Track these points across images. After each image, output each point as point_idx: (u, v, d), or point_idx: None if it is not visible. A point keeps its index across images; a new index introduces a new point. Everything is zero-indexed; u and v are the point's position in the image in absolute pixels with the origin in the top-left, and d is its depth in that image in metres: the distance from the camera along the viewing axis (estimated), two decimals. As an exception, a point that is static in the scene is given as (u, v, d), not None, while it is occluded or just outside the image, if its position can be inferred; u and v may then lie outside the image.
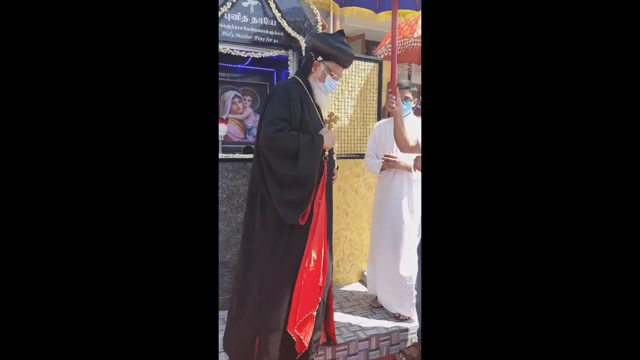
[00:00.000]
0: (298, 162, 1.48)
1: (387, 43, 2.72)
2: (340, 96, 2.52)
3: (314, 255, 1.58)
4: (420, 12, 2.67)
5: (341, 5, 2.05)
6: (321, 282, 1.60)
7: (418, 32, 2.46)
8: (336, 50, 1.57)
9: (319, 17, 2.35)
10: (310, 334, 1.60)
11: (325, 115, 1.74)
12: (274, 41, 2.27)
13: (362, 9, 2.11)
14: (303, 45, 2.30)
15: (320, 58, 1.59)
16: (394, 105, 1.76)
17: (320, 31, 2.38)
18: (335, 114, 1.75)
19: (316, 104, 1.67)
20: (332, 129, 1.68)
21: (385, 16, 2.14)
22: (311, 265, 1.56)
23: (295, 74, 1.68)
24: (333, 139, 1.63)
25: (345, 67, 1.65)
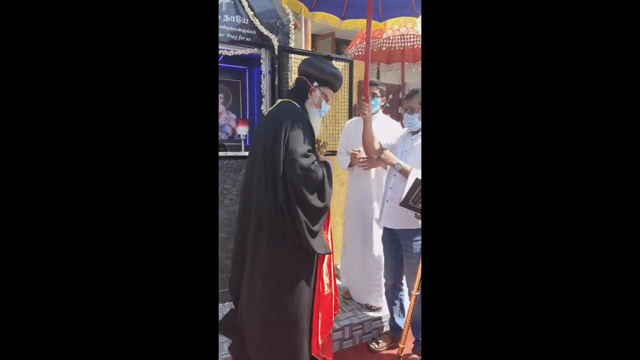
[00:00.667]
0: (325, 192, 1.50)
1: (357, 43, 2.80)
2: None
3: (326, 279, 1.60)
4: (396, 21, 2.76)
5: (310, 10, 2.10)
6: (334, 301, 1.64)
7: (387, 33, 2.55)
8: (331, 76, 1.61)
9: (291, 17, 2.39)
10: (332, 351, 1.63)
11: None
12: (247, 39, 2.29)
13: (329, 14, 2.17)
14: (275, 44, 2.33)
15: (316, 84, 1.61)
16: (366, 112, 1.85)
17: (293, 30, 2.42)
18: (323, 140, 1.81)
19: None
20: (322, 155, 1.73)
21: (350, 23, 2.22)
22: (325, 290, 1.59)
23: (287, 99, 1.65)
24: (332, 165, 1.66)
25: (335, 91, 1.70)
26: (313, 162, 1.46)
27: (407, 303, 2.00)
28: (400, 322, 2.05)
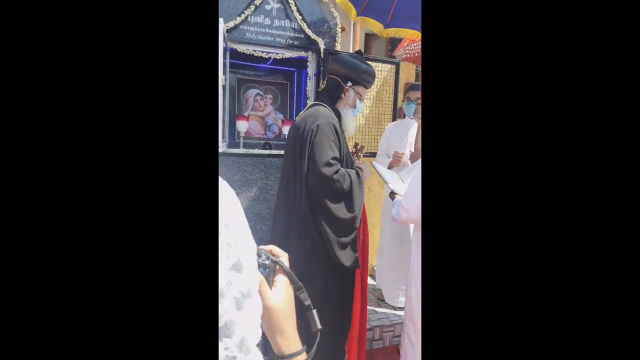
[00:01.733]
0: (353, 202, 1.40)
1: (405, 45, 2.78)
2: (357, 96, 2.62)
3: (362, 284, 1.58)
4: (402, 32, 2.69)
5: (358, 14, 2.13)
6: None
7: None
8: (365, 74, 1.54)
9: (338, 20, 2.44)
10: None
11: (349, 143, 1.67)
12: (295, 43, 2.38)
13: (374, 21, 2.20)
14: (322, 46, 2.40)
15: (349, 84, 1.54)
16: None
17: (339, 34, 2.47)
18: (361, 144, 1.72)
19: (342, 130, 1.60)
20: (360, 159, 1.63)
21: (392, 32, 2.24)
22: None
23: (318, 101, 1.59)
24: (369, 170, 1.57)
25: (369, 88, 1.62)
26: (337, 171, 1.38)
27: None
28: None
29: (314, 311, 0.64)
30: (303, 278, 1.48)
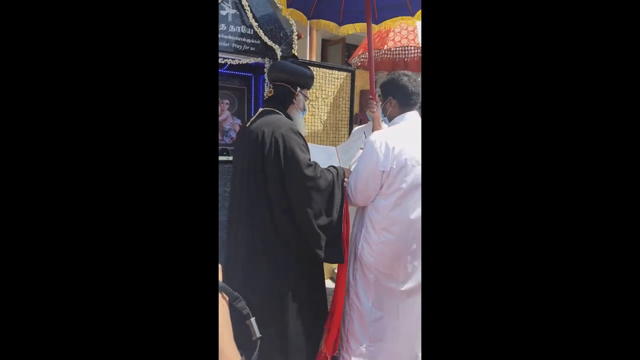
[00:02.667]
0: (334, 200, 1.46)
1: (360, 53, 2.86)
2: (315, 103, 2.65)
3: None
4: (393, 22, 2.81)
5: (309, 18, 2.18)
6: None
7: (388, 44, 2.61)
8: (310, 78, 1.66)
9: (294, 27, 2.47)
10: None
11: None
12: (251, 49, 2.37)
13: (327, 21, 2.26)
14: (279, 53, 2.41)
15: (299, 89, 1.63)
16: (375, 110, 1.88)
17: (296, 41, 2.49)
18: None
19: None
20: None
21: (348, 28, 2.30)
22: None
23: (268, 108, 1.63)
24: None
25: (310, 89, 1.75)
26: (315, 170, 1.45)
27: None
28: None
29: (253, 320, 0.65)
30: (270, 287, 1.46)
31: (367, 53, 2.78)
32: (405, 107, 1.61)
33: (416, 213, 1.48)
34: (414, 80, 1.61)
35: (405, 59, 2.68)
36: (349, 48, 5.53)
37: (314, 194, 1.42)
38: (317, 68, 2.61)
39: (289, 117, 1.62)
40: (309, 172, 1.42)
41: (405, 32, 2.59)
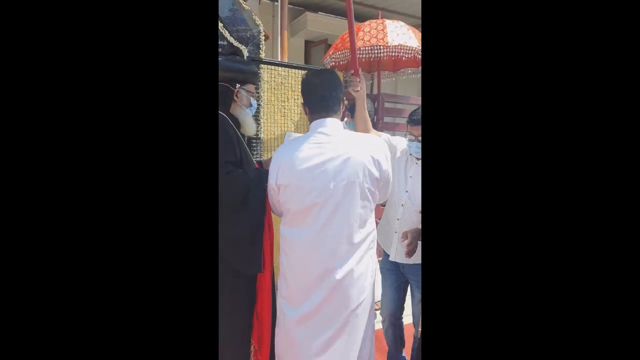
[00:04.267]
0: (249, 204, 1.34)
1: (331, 53, 2.84)
2: (287, 104, 2.62)
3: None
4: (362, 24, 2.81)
5: None
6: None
7: (357, 44, 2.59)
8: (249, 73, 1.64)
9: (261, 28, 2.44)
10: None
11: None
12: (218, 50, 2.34)
13: None
14: (245, 54, 2.39)
15: (238, 85, 1.59)
16: (358, 88, 1.61)
17: (263, 41, 2.47)
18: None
19: (241, 134, 1.60)
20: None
21: None
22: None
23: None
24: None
25: (256, 84, 1.72)
26: (228, 172, 1.35)
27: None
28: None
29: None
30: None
31: (338, 53, 2.77)
32: (315, 113, 1.31)
33: (311, 236, 1.22)
34: (327, 82, 1.31)
35: (376, 59, 2.66)
36: (332, 49, 5.54)
37: (222, 200, 1.26)
38: (288, 69, 2.59)
39: (232, 116, 1.58)
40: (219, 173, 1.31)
41: (375, 32, 2.58)
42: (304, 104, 1.37)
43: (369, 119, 1.70)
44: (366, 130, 1.66)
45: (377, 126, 2.89)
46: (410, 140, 1.71)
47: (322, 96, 1.30)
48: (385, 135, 1.79)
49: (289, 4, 4.54)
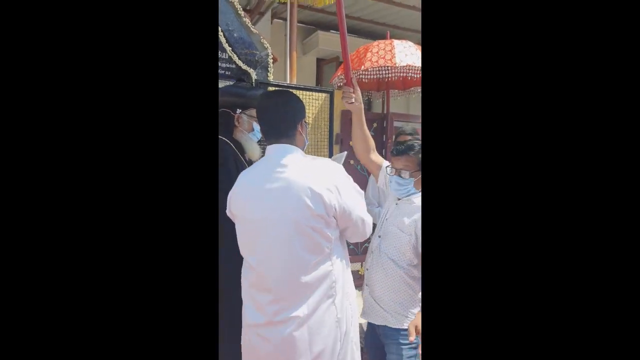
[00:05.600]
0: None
1: (339, 74, 2.85)
2: (294, 124, 2.64)
3: None
4: (375, 42, 2.81)
5: None
6: None
7: (365, 65, 2.59)
8: (253, 98, 1.61)
9: (269, 51, 2.47)
10: None
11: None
12: (226, 73, 2.38)
13: None
14: (254, 77, 2.42)
15: (239, 110, 1.58)
16: (353, 100, 1.40)
17: (272, 64, 2.50)
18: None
19: (247, 160, 1.60)
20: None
21: None
22: None
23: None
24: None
25: None
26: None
27: None
28: None
29: None
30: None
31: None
32: (267, 138, 1.20)
33: (256, 272, 1.15)
34: (279, 104, 1.18)
35: (385, 79, 2.66)
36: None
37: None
38: (296, 90, 2.61)
39: (235, 141, 1.58)
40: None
41: (383, 52, 2.58)
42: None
43: (369, 138, 1.48)
44: (366, 152, 1.49)
45: (385, 147, 2.86)
46: (390, 173, 1.40)
47: (271, 120, 1.18)
48: (385, 164, 1.52)
49: (302, 23, 4.62)
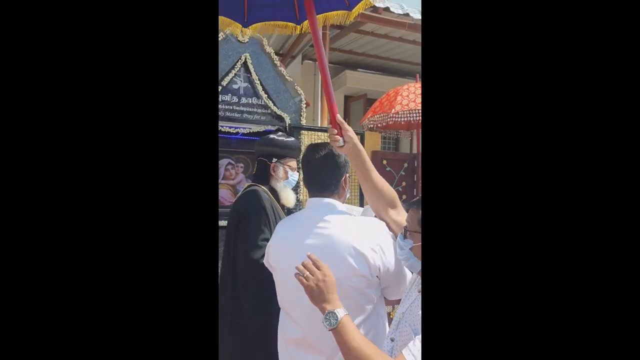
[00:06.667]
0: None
1: (370, 116, 2.91)
2: (325, 165, 2.70)
3: None
4: (406, 86, 2.87)
5: (245, 26, 1.57)
6: None
7: (396, 108, 2.65)
8: (288, 148, 1.66)
9: (303, 97, 2.58)
10: None
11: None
12: (262, 118, 2.50)
13: (278, 22, 1.57)
14: (288, 121, 2.52)
15: (275, 160, 1.64)
16: (341, 143, 1.13)
17: (304, 109, 2.60)
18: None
19: (281, 205, 1.67)
20: None
21: (256, 28, 1.61)
22: None
23: (253, 183, 1.65)
24: None
25: (297, 157, 1.70)
26: (261, 247, 1.39)
27: None
28: None
29: None
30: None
31: (376, 116, 2.83)
32: (310, 191, 1.17)
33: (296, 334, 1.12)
34: (322, 159, 1.15)
35: (413, 121, 2.70)
36: (370, 103, 5.68)
37: (254, 280, 1.34)
38: (324, 133, 2.69)
39: (272, 189, 1.63)
40: (254, 254, 1.38)
41: (413, 96, 2.64)
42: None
43: (384, 190, 1.18)
44: (382, 208, 1.18)
45: (416, 188, 2.85)
46: (401, 235, 0.97)
47: (315, 173, 1.16)
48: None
49: (331, 63, 4.78)
